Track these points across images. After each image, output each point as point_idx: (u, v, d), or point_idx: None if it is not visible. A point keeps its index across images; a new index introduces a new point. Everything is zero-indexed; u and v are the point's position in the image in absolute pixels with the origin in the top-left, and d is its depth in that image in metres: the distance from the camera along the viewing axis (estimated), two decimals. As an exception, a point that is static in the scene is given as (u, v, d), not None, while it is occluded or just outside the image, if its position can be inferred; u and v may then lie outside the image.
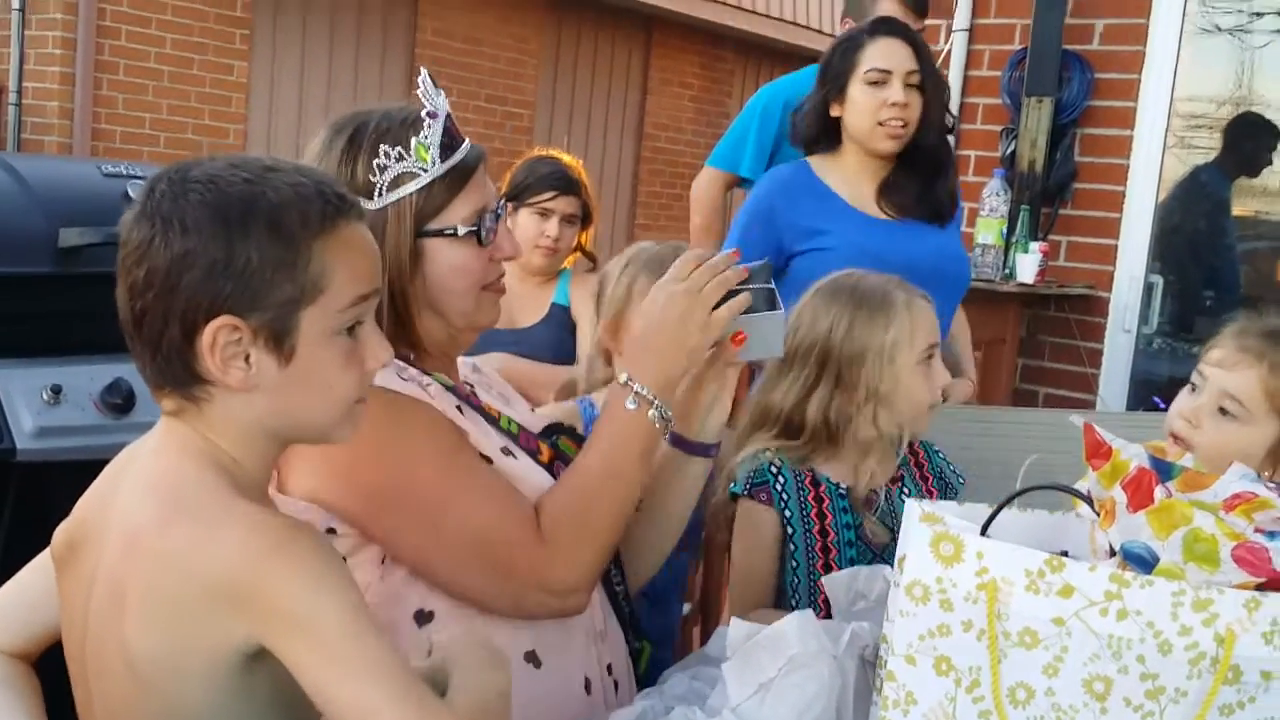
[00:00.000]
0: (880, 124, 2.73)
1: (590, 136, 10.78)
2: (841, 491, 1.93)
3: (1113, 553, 1.17)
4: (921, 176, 2.82)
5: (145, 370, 1.22)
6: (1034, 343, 4.71)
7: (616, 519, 1.53)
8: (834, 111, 2.81)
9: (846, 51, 2.79)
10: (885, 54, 2.74)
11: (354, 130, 1.55)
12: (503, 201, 1.64)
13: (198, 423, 1.21)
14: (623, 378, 1.54)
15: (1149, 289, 4.55)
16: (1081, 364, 4.51)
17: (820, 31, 10.99)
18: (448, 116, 1.55)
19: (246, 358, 1.18)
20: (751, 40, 11.32)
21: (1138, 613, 1.12)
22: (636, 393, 1.52)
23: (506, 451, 1.56)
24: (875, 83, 2.72)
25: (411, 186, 1.52)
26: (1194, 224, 4.84)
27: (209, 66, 8.27)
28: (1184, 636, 1.12)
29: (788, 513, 1.90)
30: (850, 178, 2.83)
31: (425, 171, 1.52)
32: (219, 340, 1.16)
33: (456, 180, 1.55)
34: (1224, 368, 1.84)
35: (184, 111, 8.19)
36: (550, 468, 1.62)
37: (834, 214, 2.79)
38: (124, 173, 2.56)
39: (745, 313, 1.57)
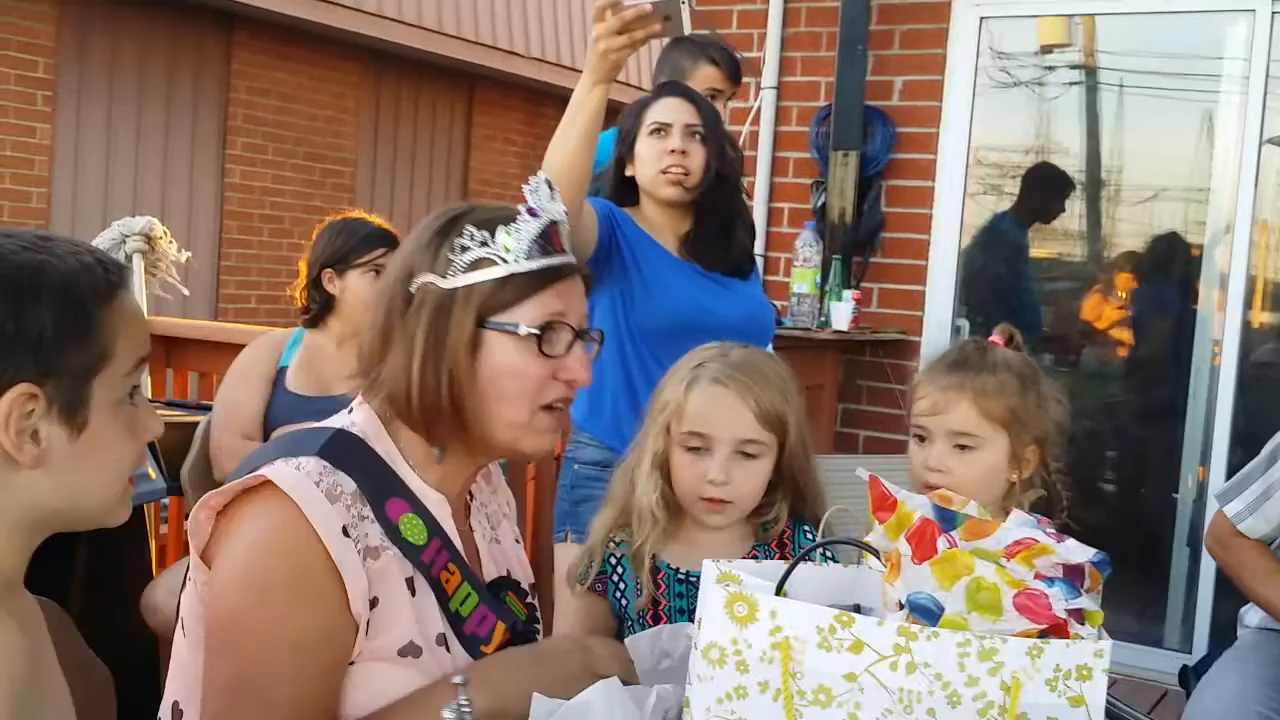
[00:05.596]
0: (662, 171, 2.82)
1: (415, 192, 10.70)
2: (680, 577, 1.83)
3: (901, 605, 1.18)
4: (718, 229, 2.89)
5: None
6: (852, 387, 4.83)
7: None
8: (628, 171, 2.90)
9: (635, 113, 2.91)
10: (666, 109, 2.86)
11: (455, 214, 1.52)
12: (591, 330, 1.57)
13: None
14: (458, 678, 1.42)
15: (957, 331, 4.71)
16: (897, 406, 4.63)
17: (640, 89, 11.15)
18: (552, 224, 1.51)
19: (35, 433, 1.12)
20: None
21: (926, 665, 1.13)
22: (461, 707, 1.37)
23: (441, 640, 1.47)
24: (656, 132, 2.84)
25: (486, 274, 1.47)
26: (995, 269, 5.04)
27: (10, 129, 7.95)
28: (971, 687, 1.13)
29: (623, 602, 1.85)
30: (652, 231, 2.88)
31: (504, 262, 1.47)
32: (14, 413, 1.10)
33: (536, 282, 1.48)
34: (938, 412, 1.93)
35: (-16, 176, 7.85)
36: None
37: (658, 254, 2.85)
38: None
39: None
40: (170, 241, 4.36)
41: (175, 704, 1.49)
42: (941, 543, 1.17)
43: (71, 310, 1.14)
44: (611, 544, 1.89)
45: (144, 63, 8.72)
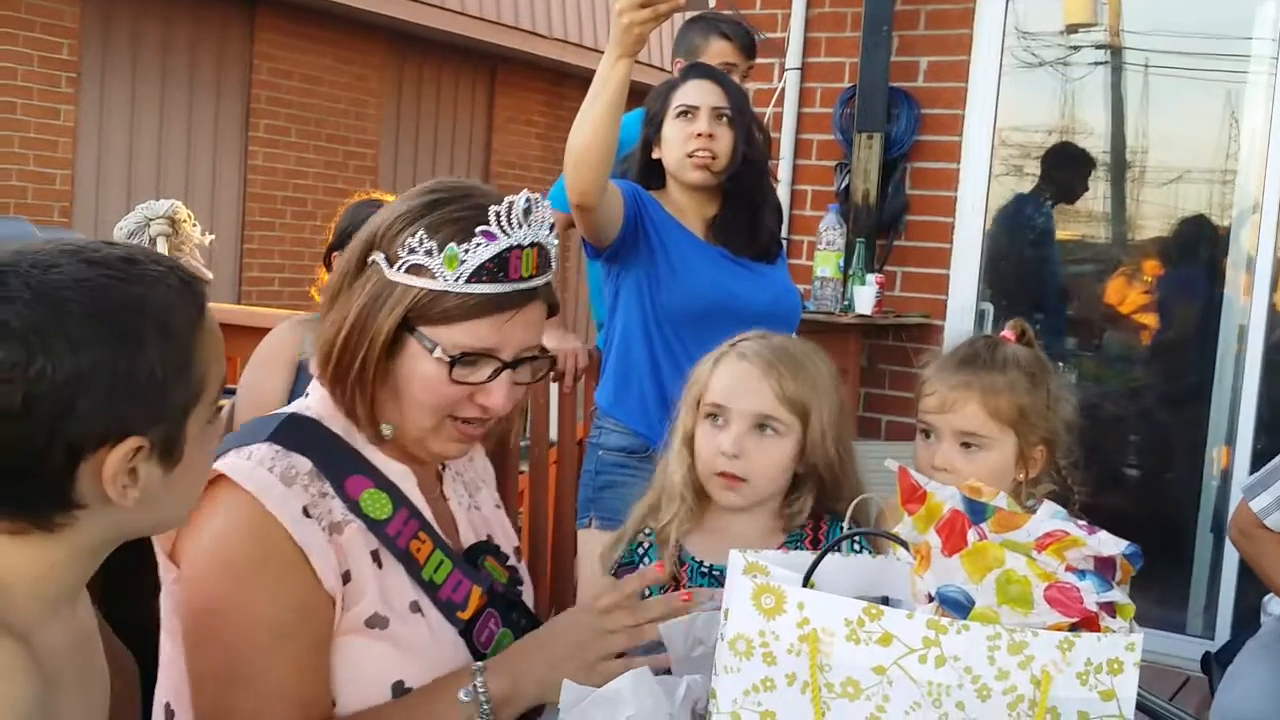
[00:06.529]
0: (688, 155, 2.82)
1: (437, 174, 10.60)
2: (704, 570, 1.81)
3: (930, 598, 1.17)
4: (745, 213, 2.88)
5: None
6: (875, 372, 4.81)
7: None
8: (655, 154, 2.90)
9: (662, 95, 2.90)
10: (694, 91, 2.85)
11: (438, 198, 1.48)
12: (537, 358, 1.54)
13: (31, 545, 1.10)
14: (476, 665, 1.46)
15: (980, 316, 4.69)
16: (921, 391, 4.60)
17: (662, 69, 11.12)
18: (515, 249, 1.44)
19: (133, 472, 1.09)
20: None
21: (955, 658, 1.13)
22: (477, 689, 1.43)
23: (415, 608, 1.48)
24: (683, 114, 2.83)
25: (419, 283, 1.43)
26: (1020, 251, 5.01)
27: (34, 111, 7.98)
28: (1001, 680, 1.12)
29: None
30: (678, 214, 2.87)
31: (440, 279, 1.43)
32: (121, 465, 1.07)
33: (469, 309, 1.44)
34: (945, 411, 1.91)
35: (8, 158, 7.87)
36: (472, 625, 1.52)
37: (685, 238, 2.84)
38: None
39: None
40: (194, 225, 4.36)
41: (167, 704, 1.49)
42: (972, 535, 1.17)
43: (174, 347, 1.09)
44: (641, 533, 1.89)
45: (167, 44, 8.74)
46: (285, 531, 1.38)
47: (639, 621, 1.48)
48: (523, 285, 1.47)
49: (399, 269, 1.44)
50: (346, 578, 1.43)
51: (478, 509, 1.71)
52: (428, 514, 1.54)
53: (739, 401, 1.80)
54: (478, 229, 1.44)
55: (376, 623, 1.44)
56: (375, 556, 1.46)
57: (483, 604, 1.55)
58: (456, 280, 1.43)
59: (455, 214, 1.46)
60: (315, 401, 1.54)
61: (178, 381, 1.10)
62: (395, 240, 1.45)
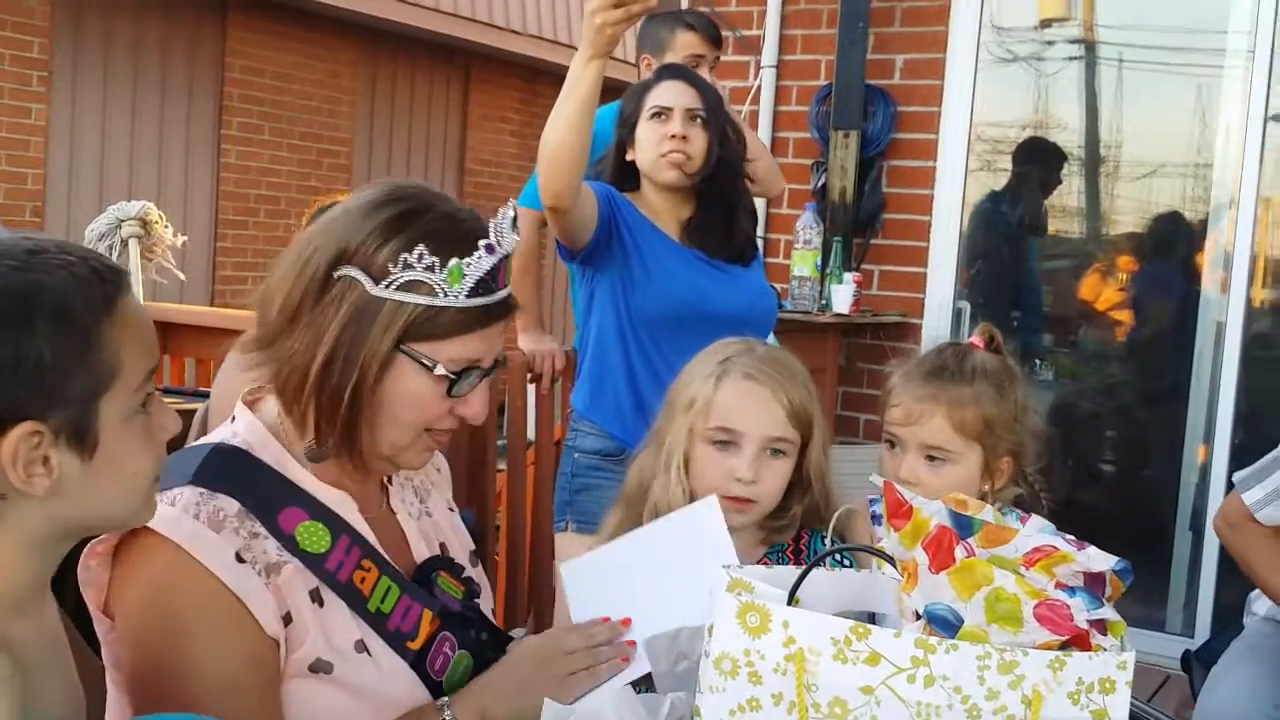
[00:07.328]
0: (662, 156, 2.80)
1: (411, 172, 10.62)
2: None
3: (918, 616, 1.15)
4: (720, 215, 2.86)
5: None
6: (853, 370, 4.80)
7: None
8: (629, 155, 2.88)
9: (635, 96, 2.89)
10: (667, 92, 2.84)
11: (410, 209, 1.41)
12: (499, 361, 1.50)
13: None
14: (441, 700, 1.45)
15: (958, 314, 4.68)
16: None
17: (627, 63, 11.07)
18: (505, 258, 1.43)
19: (45, 460, 1.08)
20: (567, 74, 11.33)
21: (944, 678, 1.11)
22: None
23: (361, 647, 1.43)
24: (656, 116, 2.82)
25: (422, 300, 1.38)
26: (996, 249, 5.01)
27: (5, 110, 7.89)
28: (991, 700, 1.10)
29: None
30: (653, 216, 2.85)
31: (445, 295, 1.39)
32: (20, 450, 1.06)
33: (467, 323, 1.41)
34: (911, 423, 1.88)
35: (-21, 157, 7.80)
36: (424, 654, 1.48)
37: (660, 241, 2.81)
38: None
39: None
40: (166, 225, 4.32)
41: None
42: (959, 551, 1.14)
43: (68, 332, 1.08)
44: None
45: (139, 42, 8.65)
46: (219, 581, 1.33)
47: (598, 658, 1.48)
48: (505, 295, 1.45)
49: (388, 286, 1.38)
50: (288, 619, 1.38)
51: (429, 515, 1.66)
52: (371, 538, 1.48)
53: (753, 426, 1.76)
54: (480, 242, 1.40)
55: (320, 667, 1.40)
56: (315, 595, 1.41)
57: (434, 629, 1.50)
58: (458, 295, 1.39)
59: (449, 225, 1.42)
60: (243, 428, 1.48)
61: (77, 367, 1.09)
62: (377, 255, 1.39)
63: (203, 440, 1.48)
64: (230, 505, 1.38)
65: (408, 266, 1.38)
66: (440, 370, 1.41)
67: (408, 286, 1.38)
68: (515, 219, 1.43)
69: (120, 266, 1.17)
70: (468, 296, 1.40)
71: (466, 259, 1.39)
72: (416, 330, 1.39)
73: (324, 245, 1.41)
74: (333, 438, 1.43)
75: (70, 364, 1.08)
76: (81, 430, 1.10)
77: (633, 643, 1.52)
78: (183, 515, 1.35)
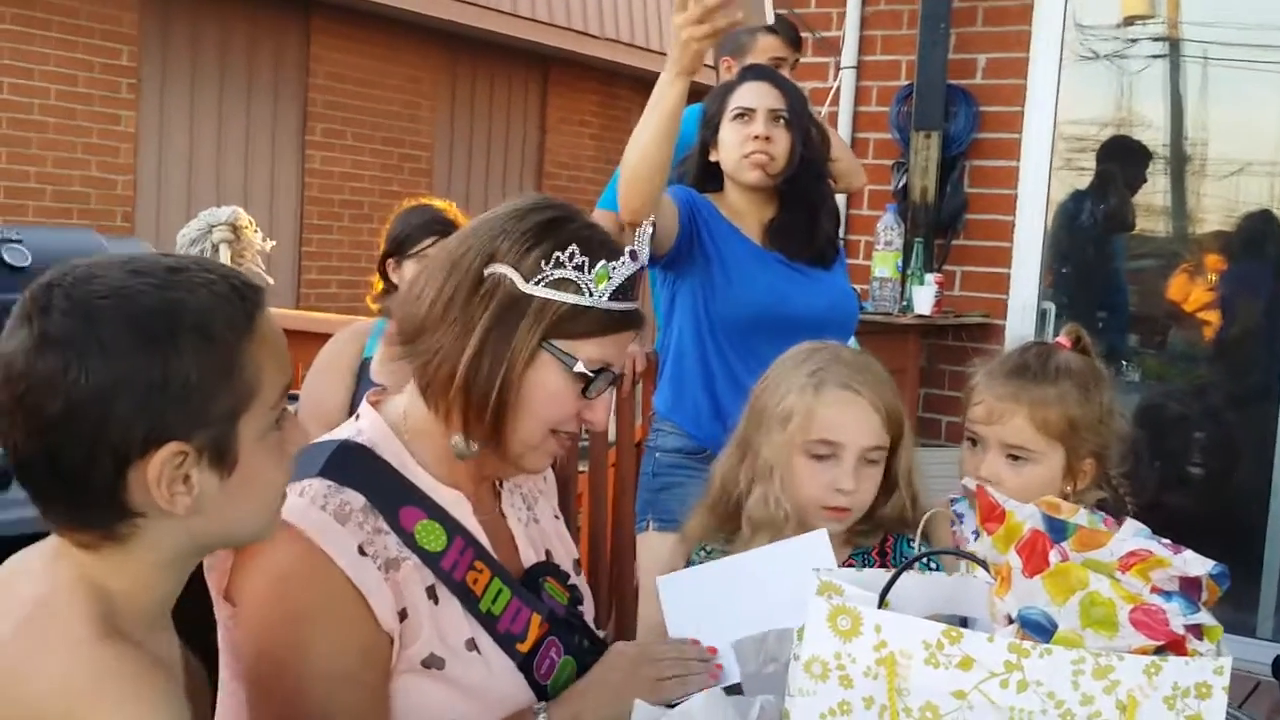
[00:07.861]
0: (745, 156, 2.80)
1: (490, 176, 10.73)
2: None
3: (1011, 620, 1.15)
4: (802, 216, 2.86)
5: (54, 513, 1.11)
6: (934, 372, 4.76)
7: None
8: (712, 156, 2.89)
9: (719, 97, 2.90)
10: (750, 93, 2.85)
11: (559, 215, 1.49)
12: (620, 373, 1.57)
13: (110, 557, 1.12)
14: (538, 705, 1.48)
15: (1042, 315, 4.62)
16: (981, 391, 4.55)
17: (710, 67, 11.05)
18: (642, 269, 1.51)
19: (186, 479, 1.10)
20: (647, 77, 11.33)
21: (1038, 683, 1.11)
22: None
23: (471, 646, 1.46)
24: (740, 117, 2.82)
25: (570, 299, 1.45)
26: (1081, 248, 4.94)
27: (95, 117, 8.09)
28: (1086, 706, 1.10)
29: None
30: (735, 217, 2.86)
31: (590, 295, 1.45)
32: (164, 471, 1.08)
33: (607, 325, 1.47)
34: (992, 422, 1.87)
35: (70, 164, 7.99)
36: (532, 656, 1.51)
37: (741, 245, 2.83)
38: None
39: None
40: (255, 230, 4.40)
41: None
42: (1053, 555, 1.14)
43: (212, 351, 1.09)
44: (703, 552, 1.86)
45: (225, 49, 8.83)
46: (342, 573, 1.37)
47: (687, 666, 1.53)
48: (638, 305, 1.52)
49: (538, 283, 1.44)
50: (403, 615, 1.41)
51: (536, 522, 1.69)
52: (484, 540, 1.52)
53: (854, 437, 1.76)
54: (627, 248, 1.48)
55: (433, 663, 1.43)
56: (431, 592, 1.44)
57: (543, 633, 1.53)
58: (602, 297, 1.45)
59: (595, 233, 1.49)
60: (368, 426, 1.52)
61: (220, 387, 1.10)
62: (528, 254, 1.44)
63: (329, 435, 1.53)
64: (356, 499, 1.42)
65: (559, 265, 1.44)
66: (579, 368, 1.46)
67: (556, 284, 1.44)
68: (653, 234, 1.49)
69: (259, 284, 1.18)
70: (609, 299, 1.46)
71: (613, 263, 1.46)
72: (561, 327, 1.45)
73: (476, 244, 1.48)
74: (481, 430, 1.47)
75: (214, 384, 1.09)
76: (223, 450, 1.11)
77: (721, 666, 1.56)
78: (311, 506, 1.39)
